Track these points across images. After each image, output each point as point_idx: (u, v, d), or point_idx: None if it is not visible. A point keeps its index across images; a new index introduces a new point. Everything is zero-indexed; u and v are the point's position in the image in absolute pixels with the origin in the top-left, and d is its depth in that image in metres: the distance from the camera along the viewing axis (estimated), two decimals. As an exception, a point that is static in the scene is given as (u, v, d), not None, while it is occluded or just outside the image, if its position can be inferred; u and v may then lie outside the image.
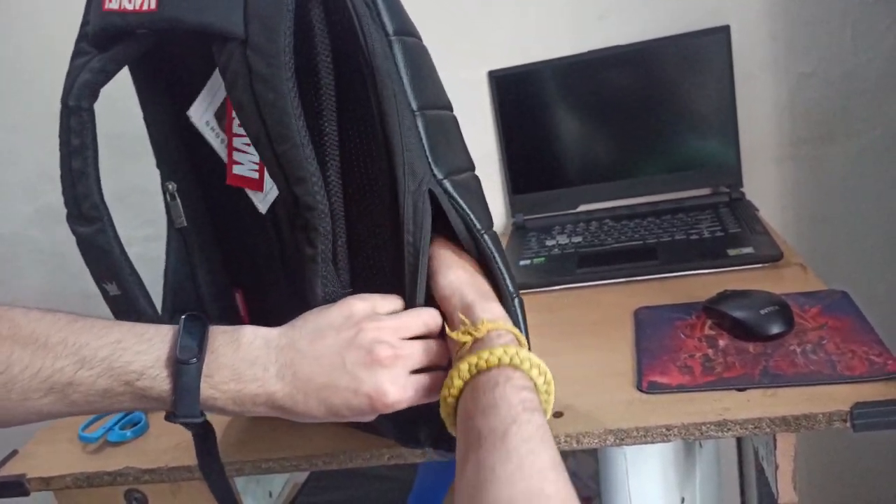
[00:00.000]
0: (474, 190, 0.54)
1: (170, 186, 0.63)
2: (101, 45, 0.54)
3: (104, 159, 0.57)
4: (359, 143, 0.52)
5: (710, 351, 0.67)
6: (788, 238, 0.98)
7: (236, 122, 0.57)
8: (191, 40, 0.53)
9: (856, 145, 1.10)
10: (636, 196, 1.14)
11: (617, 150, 1.13)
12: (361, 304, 0.49)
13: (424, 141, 0.50)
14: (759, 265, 0.86)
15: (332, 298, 0.51)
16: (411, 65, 0.50)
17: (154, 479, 0.71)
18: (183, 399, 0.45)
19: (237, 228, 0.65)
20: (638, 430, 0.59)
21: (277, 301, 0.65)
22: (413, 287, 0.51)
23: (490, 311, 0.49)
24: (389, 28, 0.49)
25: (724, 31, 1.04)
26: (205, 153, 0.62)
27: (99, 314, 0.55)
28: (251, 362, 0.46)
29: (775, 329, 0.67)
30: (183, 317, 0.47)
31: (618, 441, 0.60)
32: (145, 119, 0.63)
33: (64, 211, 0.58)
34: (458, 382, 0.45)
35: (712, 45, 1.05)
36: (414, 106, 0.50)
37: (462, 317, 0.48)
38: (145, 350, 0.45)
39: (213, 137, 0.60)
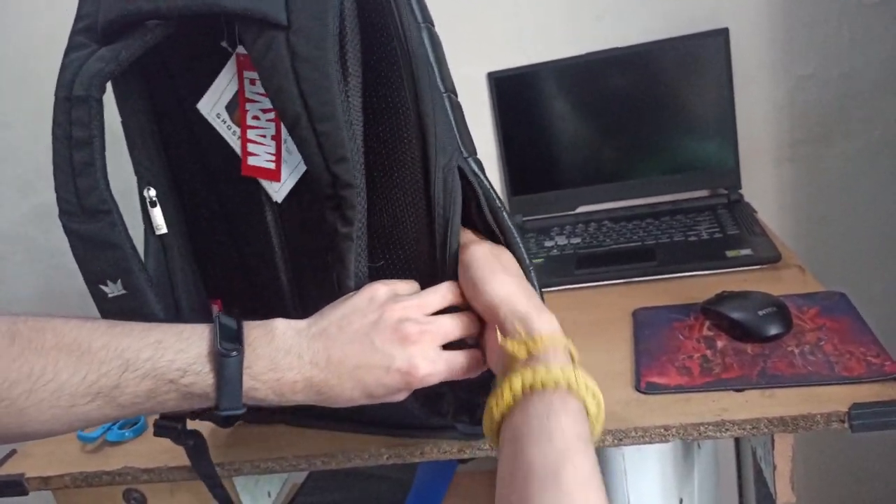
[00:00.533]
0: (484, 171, 0.56)
1: (149, 193, 0.62)
2: (110, 35, 0.54)
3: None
4: (387, 124, 0.54)
5: (708, 352, 0.68)
6: (787, 239, 0.98)
7: (250, 114, 0.58)
8: (199, 34, 0.54)
9: (854, 147, 1.10)
10: (635, 197, 1.14)
11: (616, 152, 1.13)
12: (384, 288, 0.51)
13: (452, 121, 0.53)
14: (758, 266, 0.86)
15: (362, 274, 0.53)
16: (436, 51, 0.53)
17: (153, 478, 0.71)
18: (226, 392, 0.46)
19: (222, 232, 0.65)
20: (636, 430, 0.59)
21: (275, 301, 0.64)
22: (443, 260, 0.52)
23: (549, 323, 0.47)
24: (419, 17, 0.52)
25: (723, 33, 1.04)
26: (185, 157, 0.62)
27: (98, 314, 0.55)
28: (286, 351, 0.48)
29: (773, 330, 0.67)
30: (216, 314, 0.48)
31: (616, 441, 0.60)
32: (123, 123, 0.62)
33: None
34: (507, 397, 0.43)
35: (711, 47, 1.05)
36: (441, 88, 0.52)
37: (519, 328, 0.47)
38: (185, 348, 0.46)
39: (225, 130, 0.60)
